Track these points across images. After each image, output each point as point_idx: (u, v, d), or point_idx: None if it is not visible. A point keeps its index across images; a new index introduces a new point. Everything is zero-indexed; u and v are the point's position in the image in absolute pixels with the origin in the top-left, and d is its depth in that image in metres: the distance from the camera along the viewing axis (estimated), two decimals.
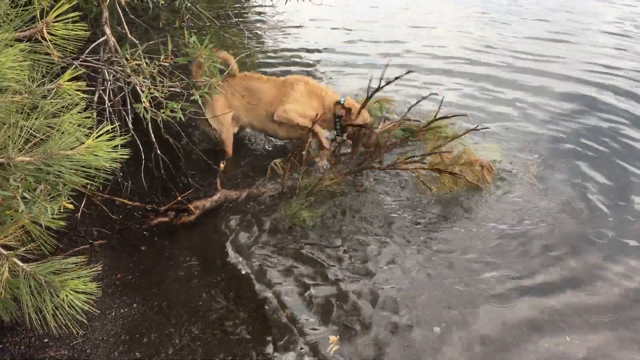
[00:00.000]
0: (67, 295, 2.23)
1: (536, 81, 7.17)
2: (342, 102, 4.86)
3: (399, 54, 7.94)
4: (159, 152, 3.89)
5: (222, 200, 4.24)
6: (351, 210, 4.31)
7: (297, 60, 7.55)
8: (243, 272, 3.63)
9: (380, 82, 4.37)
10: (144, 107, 3.16)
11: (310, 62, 7.58)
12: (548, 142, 5.56)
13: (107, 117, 3.33)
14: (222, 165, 4.35)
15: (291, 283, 3.54)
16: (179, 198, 3.89)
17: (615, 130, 5.86)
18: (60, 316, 2.22)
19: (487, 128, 5.24)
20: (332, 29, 9.18)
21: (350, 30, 9.15)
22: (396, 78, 4.42)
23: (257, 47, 7.29)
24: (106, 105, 3.33)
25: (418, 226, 4.16)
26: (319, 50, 8.07)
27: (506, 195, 4.57)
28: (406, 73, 4.57)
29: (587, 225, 4.24)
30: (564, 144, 5.53)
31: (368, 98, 4.59)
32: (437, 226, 4.18)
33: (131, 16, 3.68)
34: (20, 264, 2.28)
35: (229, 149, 4.97)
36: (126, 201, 3.80)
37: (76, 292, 2.24)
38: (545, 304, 3.46)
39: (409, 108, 4.88)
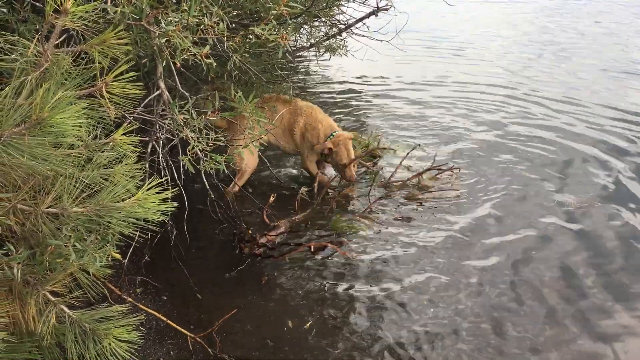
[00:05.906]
0: (110, 344, 2.28)
1: None
2: (333, 135, 5.11)
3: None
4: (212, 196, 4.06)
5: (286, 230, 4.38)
6: None
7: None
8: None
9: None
10: (189, 159, 3.28)
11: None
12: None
13: (157, 168, 3.45)
14: (271, 199, 4.49)
15: None
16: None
17: None
18: None
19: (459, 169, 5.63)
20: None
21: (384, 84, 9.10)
22: None
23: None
24: (158, 157, 3.46)
25: None
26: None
27: None
28: None
29: None
30: None
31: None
32: None
33: (181, 69, 3.83)
34: (67, 310, 2.35)
35: (243, 181, 5.03)
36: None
37: (119, 340, 2.29)
38: None
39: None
